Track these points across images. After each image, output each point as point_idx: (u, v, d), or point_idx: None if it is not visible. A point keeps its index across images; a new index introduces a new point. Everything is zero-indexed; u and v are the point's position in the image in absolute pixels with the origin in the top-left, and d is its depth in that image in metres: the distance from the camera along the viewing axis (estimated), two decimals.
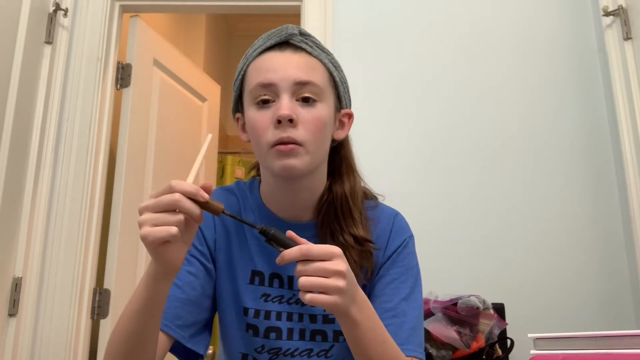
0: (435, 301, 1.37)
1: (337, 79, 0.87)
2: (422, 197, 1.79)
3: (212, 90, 2.80)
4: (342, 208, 0.86)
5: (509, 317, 1.51)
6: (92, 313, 1.83)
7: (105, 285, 1.90)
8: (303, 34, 0.85)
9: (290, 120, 0.77)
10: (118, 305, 1.90)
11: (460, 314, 1.31)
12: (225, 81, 3.37)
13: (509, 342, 1.34)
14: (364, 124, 1.84)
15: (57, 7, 1.90)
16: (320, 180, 0.87)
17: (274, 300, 0.85)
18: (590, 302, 1.68)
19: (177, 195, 0.62)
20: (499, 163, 1.81)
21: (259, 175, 0.94)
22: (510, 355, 1.32)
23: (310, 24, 1.92)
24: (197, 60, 3.19)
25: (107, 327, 1.87)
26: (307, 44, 0.84)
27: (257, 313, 0.85)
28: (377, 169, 1.80)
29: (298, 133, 0.78)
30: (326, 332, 0.85)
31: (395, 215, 0.92)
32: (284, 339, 0.84)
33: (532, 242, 1.74)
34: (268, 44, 0.83)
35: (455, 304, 1.33)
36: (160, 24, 2.77)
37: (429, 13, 1.94)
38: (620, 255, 1.71)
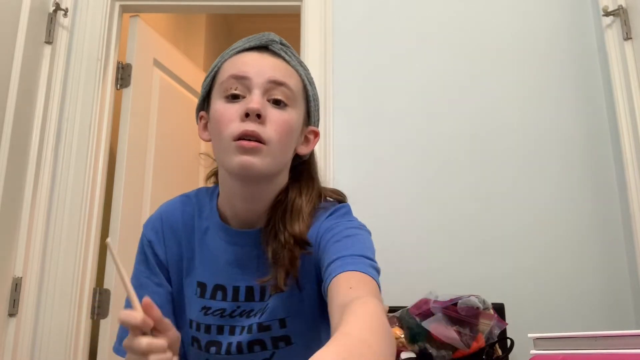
0: (435, 301, 1.36)
1: (310, 94, 0.85)
2: (422, 197, 1.79)
3: None
4: (292, 208, 0.81)
5: (509, 317, 1.51)
6: (92, 313, 1.82)
7: (105, 285, 1.90)
8: (284, 44, 0.83)
9: (259, 116, 0.74)
10: (118, 305, 1.90)
11: (460, 314, 1.31)
12: None
13: (509, 342, 1.33)
14: (363, 123, 1.85)
15: (57, 7, 1.90)
16: (278, 192, 0.83)
17: (215, 313, 0.82)
18: (590, 302, 1.68)
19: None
20: (499, 163, 1.81)
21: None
22: (510, 355, 1.32)
23: (310, 24, 1.92)
24: (197, 60, 3.19)
25: (107, 327, 1.87)
26: (286, 53, 0.82)
27: (198, 326, 0.83)
28: (375, 167, 1.81)
29: (264, 130, 0.74)
30: (264, 340, 0.81)
31: (334, 205, 0.85)
32: (223, 354, 0.81)
33: (532, 242, 1.74)
34: (247, 45, 0.81)
35: (455, 304, 1.33)
36: (160, 24, 2.77)
37: (429, 13, 1.94)
38: (620, 255, 1.71)
